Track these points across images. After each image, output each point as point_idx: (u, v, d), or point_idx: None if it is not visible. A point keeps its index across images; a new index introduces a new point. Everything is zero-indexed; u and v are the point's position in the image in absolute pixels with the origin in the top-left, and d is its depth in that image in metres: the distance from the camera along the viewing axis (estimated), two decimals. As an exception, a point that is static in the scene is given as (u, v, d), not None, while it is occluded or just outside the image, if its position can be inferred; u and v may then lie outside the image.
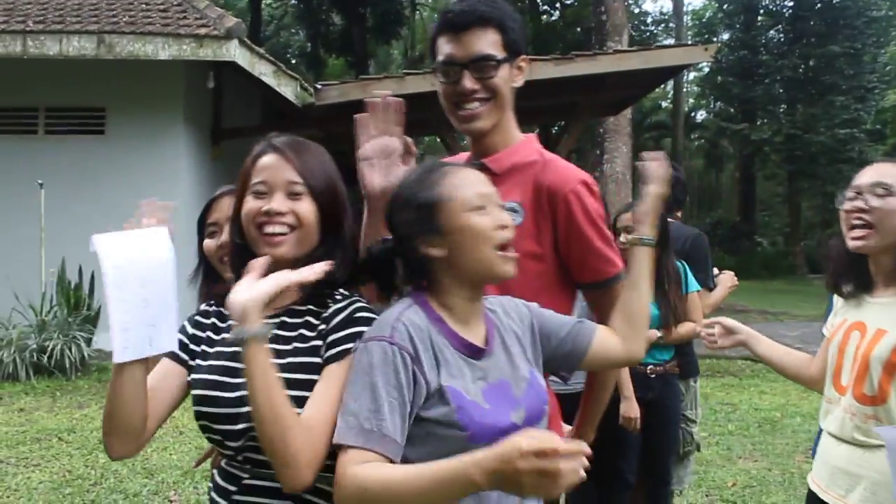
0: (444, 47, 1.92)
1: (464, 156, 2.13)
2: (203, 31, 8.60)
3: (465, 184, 1.57)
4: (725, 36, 29.32)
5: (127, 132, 9.40)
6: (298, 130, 12.05)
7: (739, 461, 5.59)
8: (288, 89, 9.53)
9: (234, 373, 1.54)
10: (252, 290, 1.43)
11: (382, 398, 1.41)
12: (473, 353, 1.56)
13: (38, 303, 8.15)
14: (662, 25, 34.23)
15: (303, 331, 1.60)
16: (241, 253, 1.64)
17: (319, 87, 9.69)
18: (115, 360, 1.45)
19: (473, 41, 1.89)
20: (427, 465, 1.33)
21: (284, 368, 1.53)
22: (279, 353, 1.55)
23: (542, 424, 1.61)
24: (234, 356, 1.51)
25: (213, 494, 1.65)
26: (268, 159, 1.62)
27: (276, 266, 1.55)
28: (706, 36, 29.15)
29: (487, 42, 1.89)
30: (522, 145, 2.02)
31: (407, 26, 29.11)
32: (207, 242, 2.23)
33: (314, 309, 1.62)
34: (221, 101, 10.38)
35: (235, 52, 8.65)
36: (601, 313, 1.94)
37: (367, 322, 1.56)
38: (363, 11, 24.76)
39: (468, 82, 1.89)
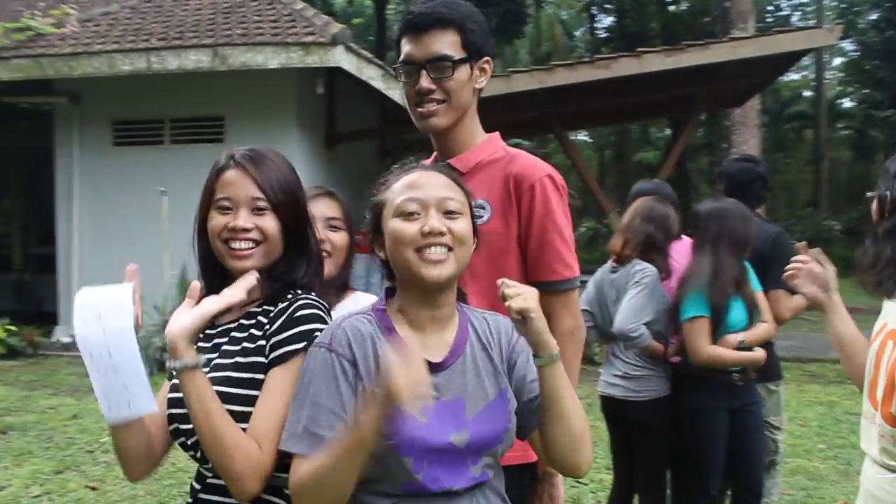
0: (405, 47, 1.97)
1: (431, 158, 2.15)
2: (310, 38, 8.84)
3: (403, 187, 1.54)
4: (872, 16, 27.51)
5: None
6: (405, 132, 12.29)
7: (857, 477, 5.18)
8: (396, 92, 9.63)
9: None
10: (180, 321, 1.48)
11: (322, 406, 1.44)
12: (427, 367, 1.49)
13: (162, 304, 8.61)
14: (799, 11, 32.49)
15: (253, 331, 1.62)
16: (207, 263, 1.71)
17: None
18: (106, 421, 1.52)
19: (432, 42, 1.93)
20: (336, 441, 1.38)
21: (232, 368, 1.57)
22: (228, 354, 1.60)
23: (499, 449, 1.54)
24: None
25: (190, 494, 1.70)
26: (230, 175, 1.66)
27: (234, 275, 1.63)
28: (849, 17, 27.42)
29: (445, 43, 1.93)
30: (486, 143, 2.05)
31: (532, 23, 28.95)
32: None
33: (267, 308, 1.64)
34: (335, 105, 10.65)
35: (341, 58, 8.84)
36: (551, 316, 1.82)
37: (310, 319, 1.57)
38: (485, 11, 24.78)
39: (425, 82, 1.94)
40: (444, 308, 1.57)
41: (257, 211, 1.64)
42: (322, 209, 2.08)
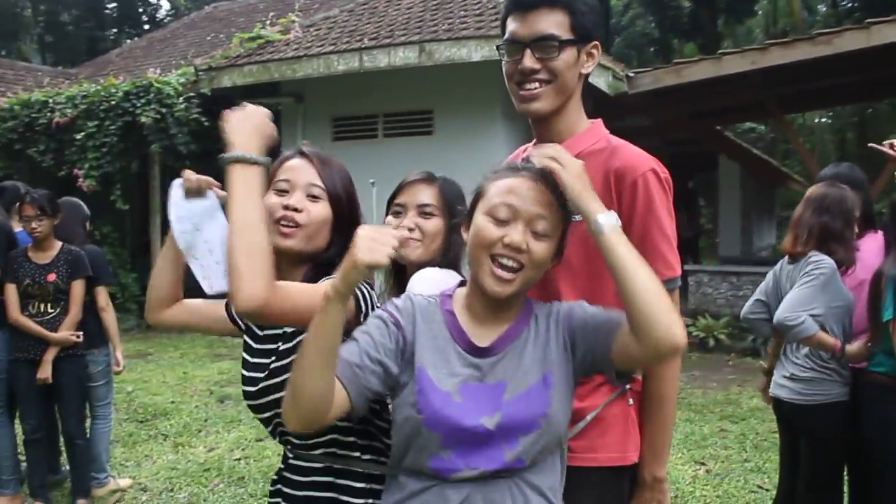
0: (511, 26, 1.88)
1: (526, 147, 2.08)
2: (512, 30, 8.88)
3: (504, 189, 1.53)
4: None
5: (452, 131, 10.04)
6: (620, 120, 12.00)
7: None
8: (600, 80, 9.47)
9: (246, 364, 1.77)
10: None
11: (363, 347, 1.49)
12: (473, 350, 1.54)
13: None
14: None
15: None
16: None
17: (632, 74, 9.50)
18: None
19: (538, 20, 1.83)
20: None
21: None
22: (283, 353, 1.71)
23: (532, 436, 1.49)
24: (247, 348, 1.75)
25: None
26: (294, 162, 1.76)
27: (281, 256, 1.68)
28: None
29: (553, 22, 1.83)
30: (589, 132, 1.93)
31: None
32: (389, 219, 2.36)
33: None
34: (542, 96, 10.63)
35: (542, 47, 8.81)
36: None
37: None
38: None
39: (529, 61, 1.84)
40: (506, 311, 1.58)
41: (312, 197, 1.72)
42: (416, 196, 2.06)
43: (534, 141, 2.04)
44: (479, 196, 1.57)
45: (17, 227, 4.49)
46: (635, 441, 1.87)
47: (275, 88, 11.04)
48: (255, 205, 1.50)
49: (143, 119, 9.89)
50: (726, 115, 11.89)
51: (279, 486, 1.78)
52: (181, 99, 10.19)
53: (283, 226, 1.69)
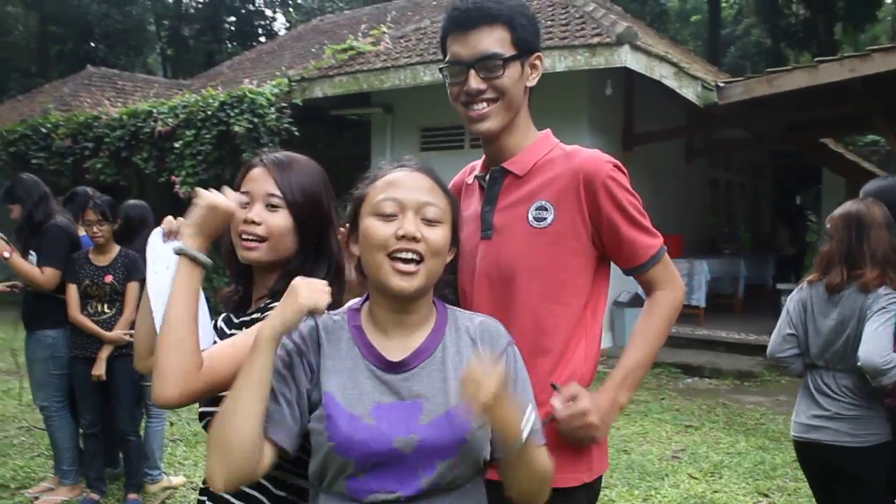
0: (452, 46, 1.87)
1: (473, 165, 2.07)
2: (596, 39, 8.75)
3: (384, 185, 1.50)
4: None
5: None
6: (714, 131, 11.61)
7: None
8: (689, 90, 9.19)
9: None
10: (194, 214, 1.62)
11: (276, 391, 1.46)
12: (384, 365, 1.48)
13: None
14: None
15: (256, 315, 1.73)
16: (232, 255, 1.82)
17: (722, 84, 9.18)
18: None
19: (480, 40, 1.82)
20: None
21: None
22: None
23: (449, 461, 1.43)
24: None
25: None
26: (254, 172, 1.77)
27: (253, 268, 1.76)
28: None
29: (494, 40, 1.82)
30: (540, 142, 1.93)
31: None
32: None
33: (275, 303, 1.68)
34: (633, 105, 10.43)
35: (627, 57, 8.63)
36: (648, 290, 1.95)
37: None
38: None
39: (474, 82, 1.83)
40: (412, 315, 1.52)
41: (271, 207, 1.72)
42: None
43: (483, 158, 2.01)
44: (359, 203, 1.53)
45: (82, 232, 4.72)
46: (588, 461, 1.84)
47: (365, 99, 11.23)
48: (188, 301, 1.52)
49: (237, 128, 10.22)
50: (828, 127, 11.27)
51: (204, 497, 1.79)
52: (273, 109, 10.48)
53: (245, 239, 1.73)
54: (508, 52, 1.82)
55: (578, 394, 1.77)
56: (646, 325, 1.91)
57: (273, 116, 10.42)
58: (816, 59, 8.96)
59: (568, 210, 1.83)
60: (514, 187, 1.90)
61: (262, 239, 1.72)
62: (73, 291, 4.46)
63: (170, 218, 1.76)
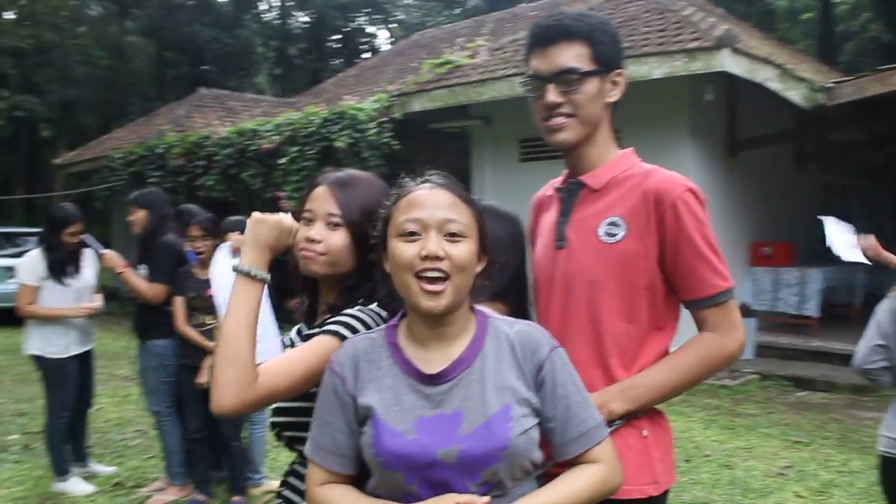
0: (533, 62, 1.92)
1: (554, 181, 2.09)
2: (693, 44, 8.56)
3: (406, 206, 1.53)
4: None
5: (640, 151, 9.56)
6: (826, 134, 11.13)
7: None
8: (795, 92, 8.87)
9: None
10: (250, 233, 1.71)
11: (326, 419, 1.55)
12: (423, 379, 1.51)
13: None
14: None
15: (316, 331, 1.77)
16: (297, 270, 1.89)
17: (830, 85, 8.81)
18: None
19: (559, 55, 1.86)
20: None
21: None
22: None
23: (492, 468, 1.45)
24: None
25: None
26: (318, 191, 1.85)
27: (318, 281, 1.85)
28: None
29: (573, 55, 1.85)
30: (620, 159, 1.94)
31: None
32: None
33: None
34: (737, 110, 10.15)
35: (727, 61, 8.40)
36: (700, 330, 1.87)
37: (337, 322, 1.71)
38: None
39: (551, 95, 1.87)
40: (449, 327, 1.54)
41: (331, 226, 1.80)
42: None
43: (564, 172, 2.03)
44: (386, 223, 1.56)
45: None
46: (652, 474, 1.82)
47: (463, 111, 11.32)
48: (247, 317, 1.59)
49: (338, 144, 10.49)
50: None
51: (284, 489, 1.87)
52: (373, 124, 10.70)
53: (306, 255, 1.80)
54: (587, 67, 1.85)
55: None
56: (678, 355, 1.85)
57: (373, 131, 10.65)
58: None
59: (639, 229, 1.82)
60: (589, 201, 1.92)
61: (320, 255, 1.78)
62: (179, 304, 4.69)
63: (237, 236, 1.84)
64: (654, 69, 8.83)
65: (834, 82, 9.00)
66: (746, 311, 9.32)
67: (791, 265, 9.92)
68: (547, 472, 1.64)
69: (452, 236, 1.49)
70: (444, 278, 1.47)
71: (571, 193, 1.95)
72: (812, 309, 9.55)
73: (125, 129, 19.55)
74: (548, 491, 1.49)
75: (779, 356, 9.07)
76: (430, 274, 1.46)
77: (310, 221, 1.82)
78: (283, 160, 11.15)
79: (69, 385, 5.02)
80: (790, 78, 8.92)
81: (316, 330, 1.76)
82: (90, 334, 5.22)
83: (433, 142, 13.01)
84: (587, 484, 1.51)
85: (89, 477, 5.18)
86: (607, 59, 1.88)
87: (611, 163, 1.92)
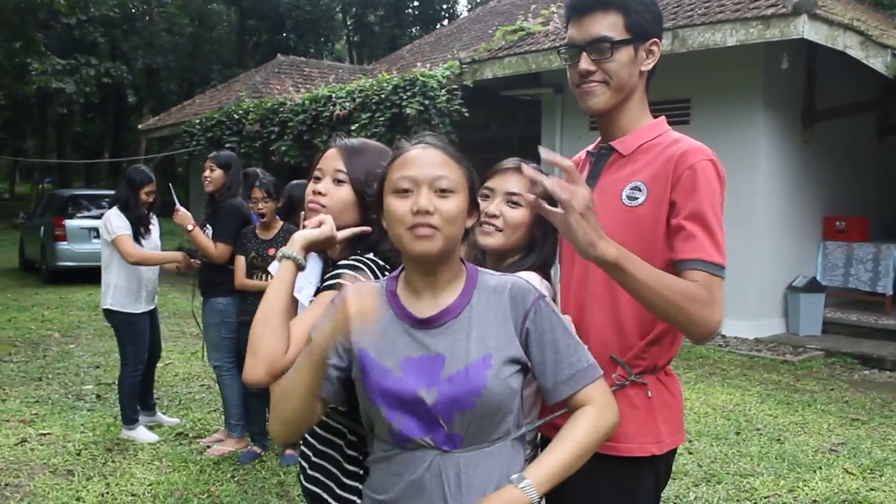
0: (570, 31, 1.97)
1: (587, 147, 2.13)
2: (770, 10, 8.32)
3: (400, 164, 1.61)
4: None
5: (710, 120, 9.62)
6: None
7: None
8: (877, 60, 8.54)
9: None
10: (305, 232, 1.84)
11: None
12: (414, 322, 1.61)
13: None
14: None
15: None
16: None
17: (916, 52, 8.45)
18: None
19: (593, 24, 1.90)
20: None
21: None
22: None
23: (467, 414, 1.54)
24: None
25: None
26: (329, 152, 2.00)
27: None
28: None
29: (606, 24, 1.89)
30: (651, 127, 1.98)
31: None
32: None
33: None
34: (815, 79, 9.83)
35: (805, 28, 8.15)
36: None
37: (344, 266, 1.86)
38: None
39: (584, 63, 1.91)
40: (440, 276, 1.62)
41: (337, 182, 1.94)
42: (505, 183, 2.15)
43: (598, 140, 2.07)
44: (382, 182, 1.65)
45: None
46: (656, 433, 1.86)
47: (535, 79, 11.26)
48: (283, 294, 1.74)
49: (408, 111, 10.59)
50: None
51: (303, 448, 1.99)
52: (443, 91, 10.76)
53: (312, 207, 1.94)
54: (620, 35, 1.87)
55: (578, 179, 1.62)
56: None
57: (444, 98, 10.70)
58: None
59: (659, 194, 1.85)
60: (617, 166, 1.95)
61: (323, 207, 1.92)
62: (240, 262, 4.89)
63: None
64: (729, 37, 8.62)
65: (919, 50, 8.62)
66: (815, 287, 9.11)
67: (866, 240, 9.62)
68: (552, 425, 1.72)
69: (443, 192, 1.57)
70: (435, 229, 1.55)
71: (601, 158, 1.99)
72: (886, 286, 9.27)
73: (206, 95, 20.11)
74: (551, 453, 1.54)
75: (848, 333, 8.85)
76: (421, 230, 1.54)
77: (318, 179, 1.96)
78: (354, 126, 11.32)
79: (142, 339, 5.30)
80: (873, 45, 8.58)
81: (323, 286, 1.88)
82: (156, 294, 5.51)
83: (505, 109, 13.00)
84: (586, 432, 1.56)
85: (155, 427, 5.48)
86: (642, 29, 1.90)
87: (642, 129, 1.96)
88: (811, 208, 9.96)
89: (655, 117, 2.01)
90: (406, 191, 1.57)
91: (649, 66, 1.95)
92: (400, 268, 1.72)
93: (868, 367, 7.71)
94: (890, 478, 4.65)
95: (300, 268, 1.79)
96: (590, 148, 2.09)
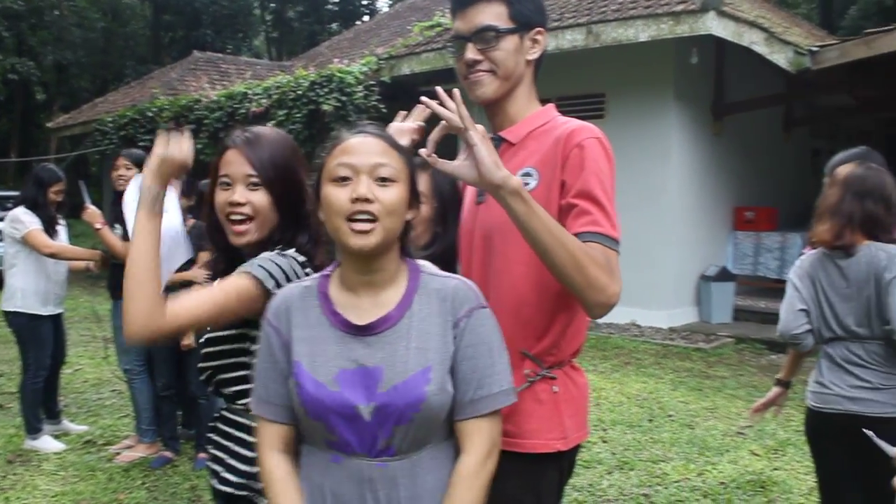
0: (456, 23, 1.97)
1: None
2: (680, 7, 8.53)
3: (339, 152, 1.56)
4: None
5: (625, 114, 9.79)
6: (816, 98, 11.07)
7: None
8: (780, 56, 8.83)
9: None
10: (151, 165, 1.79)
11: (262, 369, 1.63)
12: (350, 329, 1.56)
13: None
14: None
15: None
16: (215, 231, 1.96)
17: (815, 49, 8.77)
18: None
19: (476, 14, 1.90)
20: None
21: None
22: None
23: (405, 427, 1.51)
24: None
25: None
26: (230, 154, 1.89)
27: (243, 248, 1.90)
28: None
29: (491, 14, 1.89)
30: (539, 114, 1.98)
31: None
32: None
33: None
34: (724, 74, 10.12)
35: (712, 24, 8.38)
36: None
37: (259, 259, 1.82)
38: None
39: (470, 53, 1.91)
40: (378, 273, 1.57)
41: (251, 186, 1.86)
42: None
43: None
44: (319, 172, 1.59)
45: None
46: (561, 429, 1.85)
47: (452, 74, 11.07)
48: (147, 247, 1.67)
49: (325, 107, 10.49)
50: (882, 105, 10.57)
51: (213, 434, 1.97)
52: (361, 87, 10.69)
53: (234, 222, 1.86)
54: (504, 25, 1.88)
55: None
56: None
57: (361, 95, 10.63)
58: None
59: (549, 177, 1.85)
60: (508, 155, 1.93)
61: (249, 218, 1.85)
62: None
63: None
64: (641, 32, 8.81)
65: (819, 46, 8.94)
66: (726, 275, 9.38)
67: (774, 230, 9.96)
68: None
69: (383, 181, 1.52)
70: (374, 220, 1.50)
71: None
72: (793, 274, 9.60)
73: (119, 92, 19.52)
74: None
75: (757, 320, 9.14)
76: (359, 217, 1.49)
77: (228, 186, 1.87)
78: (271, 123, 11.14)
79: (44, 345, 5.11)
80: (776, 41, 8.87)
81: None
82: (63, 297, 5.32)
83: (423, 105, 12.96)
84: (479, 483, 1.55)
85: (61, 435, 5.29)
86: (526, 18, 1.92)
87: (530, 117, 1.96)
88: (722, 199, 10.25)
89: (578, 112, 2.01)
90: (345, 178, 1.52)
91: (535, 55, 1.96)
92: (333, 265, 1.66)
93: (775, 352, 7.97)
94: (791, 457, 4.83)
95: (161, 214, 1.72)
96: (370, 128, 2.07)
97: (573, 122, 1.89)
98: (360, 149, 1.54)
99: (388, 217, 1.51)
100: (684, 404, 6.00)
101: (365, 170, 1.52)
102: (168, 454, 4.84)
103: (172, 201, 1.86)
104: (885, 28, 8.57)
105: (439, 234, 2.13)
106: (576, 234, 1.72)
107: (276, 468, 1.59)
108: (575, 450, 1.94)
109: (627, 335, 8.68)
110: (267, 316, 1.63)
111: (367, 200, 1.49)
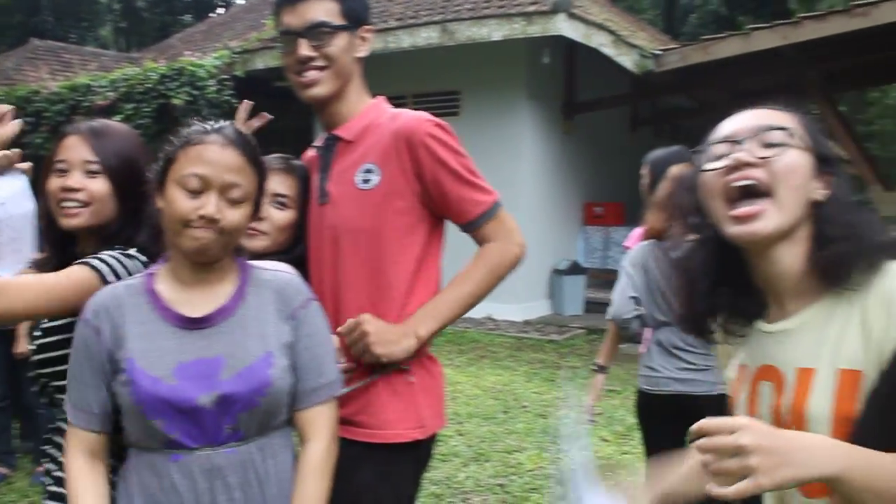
0: (284, 18, 1.94)
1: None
2: (532, 8, 8.77)
3: (194, 157, 1.51)
4: None
5: (479, 112, 9.98)
6: (658, 99, 11.65)
7: None
8: (626, 58, 9.25)
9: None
10: None
11: (76, 373, 1.57)
12: (184, 322, 1.54)
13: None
14: None
15: None
16: (48, 223, 1.84)
17: (658, 52, 9.23)
18: None
19: (308, 10, 1.90)
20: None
21: None
22: None
23: (249, 413, 1.51)
24: None
25: None
26: (69, 140, 1.80)
27: (75, 234, 1.79)
28: None
29: (323, 10, 1.89)
30: (371, 108, 2.00)
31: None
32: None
33: None
34: (575, 74, 10.47)
35: (563, 26, 8.67)
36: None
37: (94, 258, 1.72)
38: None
39: (304, 49, 1.89)
40: (212, 273, 1.58)
41: (89, 174, 1.77)
42: (273, 184, 2.06)
43: (324, 136, 2.06)
44: (169, 162, 1.55)
45: None
46: (418, 418, 1.88)
47: (311, 70, 11.11)
48: None
49: (176, 101, 10.13)
50: (766, 96, 11.33)
51: (48, 447, 1.86)
52: (213, 81, 10.38)
53: (67, 208, 1.76)
54: (337, 21, 1.89)
55: (365, 318, 1.82)
56: (469, 270, 1.93)
57: (213, 89, 10.32)
58: (749, 26, 9.03)
59: (392, 171, 1.88)
60: (345, 153, 1.95)
61: (84, 204, 1.76)
62: None
63: (4, 152, 1.76)
64: (495, 31, 9.00)
65: (661, 50, 9.43)
66: (577, 269, 9.74)
67: (621, 224, 10.41)
68: None
69: (233, 202, 1.51)
70: (217, 233, 1.50)
71: (328, 149, 1.98)
72: (640, 266, 10.08)
73: (-52, 81, 18.11)
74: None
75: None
76: (200, 225, 1.47)
77: (63, 172, 1.78)
78: (117, 118, 10.64)
79: None
80: (623, 44, 9.28)
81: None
82: None
83: (278, 100, 12.69)
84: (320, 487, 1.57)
85: None
86: (356, 15, 1.94)
87: (362, 112, 1.98)
88: (572, 195, 10.63)
89: (433, 109, 2.04)
90: (194, 191, 1.48)
91: (364, 53, 1.99)
92: (160, 261, 1.62)
93: (627, 342, 8.33)
94: (638, 441, 5.05)
95: None
96: (316, 143, 2.09)
97: (404, 115, 1.93)
98: (218, 161, 1.51)
99: (229, 235, 1.53)
100: (538, 395, 6.19)
101: (216, 185, 1.50)
102: (3, 470, 4.52)
103: (23, 186, 1.73)
104: (721, 35, 9.15)
105: (300, 237, 2.10)
106: (468, 223, 1.91)
107: (82, 475, 1.54)
108: (432, 439, 1.98)
109: (483, 329, 8.86)
110: (85, 316, 1.56)
111: (213, 221, 1.48)
